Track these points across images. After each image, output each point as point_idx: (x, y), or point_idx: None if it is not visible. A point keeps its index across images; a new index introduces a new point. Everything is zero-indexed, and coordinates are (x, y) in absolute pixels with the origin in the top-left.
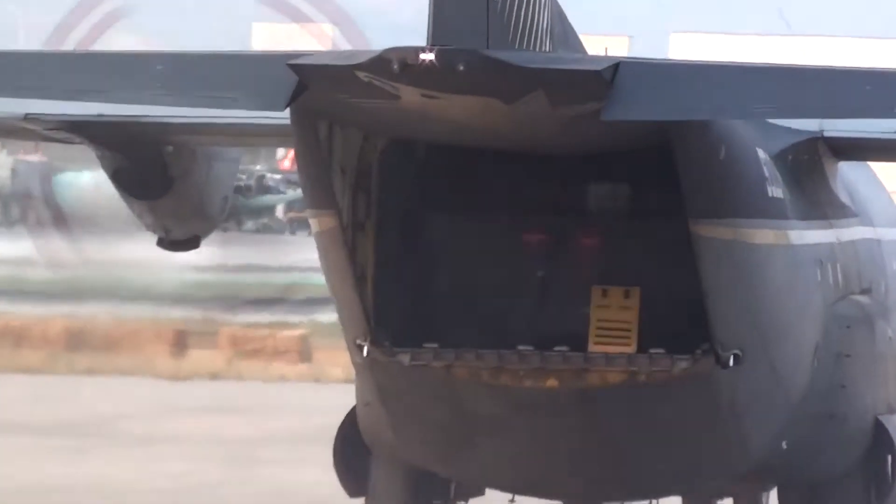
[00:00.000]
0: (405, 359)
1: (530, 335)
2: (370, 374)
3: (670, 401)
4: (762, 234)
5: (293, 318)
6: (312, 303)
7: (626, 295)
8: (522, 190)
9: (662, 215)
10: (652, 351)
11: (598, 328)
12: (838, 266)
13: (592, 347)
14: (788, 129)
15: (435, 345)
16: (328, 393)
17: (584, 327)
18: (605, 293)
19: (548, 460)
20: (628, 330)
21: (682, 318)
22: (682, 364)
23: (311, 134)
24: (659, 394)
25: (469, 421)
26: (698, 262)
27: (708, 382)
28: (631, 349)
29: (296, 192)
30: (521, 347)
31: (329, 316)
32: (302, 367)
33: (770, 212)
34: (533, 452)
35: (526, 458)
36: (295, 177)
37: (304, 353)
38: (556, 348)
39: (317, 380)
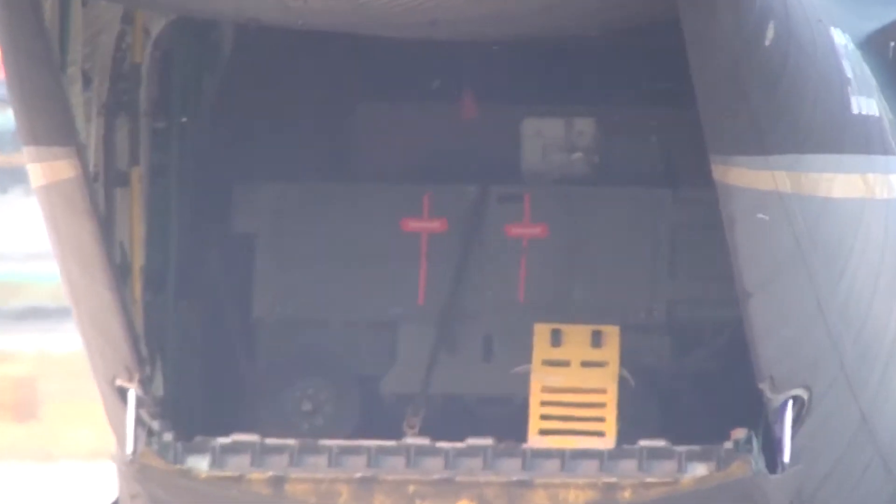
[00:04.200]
0: (200, 467)
1: (423, 404)
2: (141, 484)
3: None
4: (843, 182)
5: (4, 344)
6: (38, 317)
7: (597, 339)
8: (413, 136)
9: (659, 180)
10: (643, 443)
11: (547, 402)
12: None
13: (535, 438)
14: None
15: (254, 436)
16: (64, 475)
17: (520, 393)
18: (556, 336)
19: None
20: (602, 405)
21: (703, 376)
22: (700, 469)
23: (27, 10)
24: None
25: None
26: (729, 232)
27: (746, 490)
28: (606, 441)
29: (5, 117)
30: (409, 439)
31: (67, 341)
32: (20, 431)
33: (857, 141)
34: None
35: None
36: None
37: (22, 406)
38: (472, 440)
39: (46, 455)
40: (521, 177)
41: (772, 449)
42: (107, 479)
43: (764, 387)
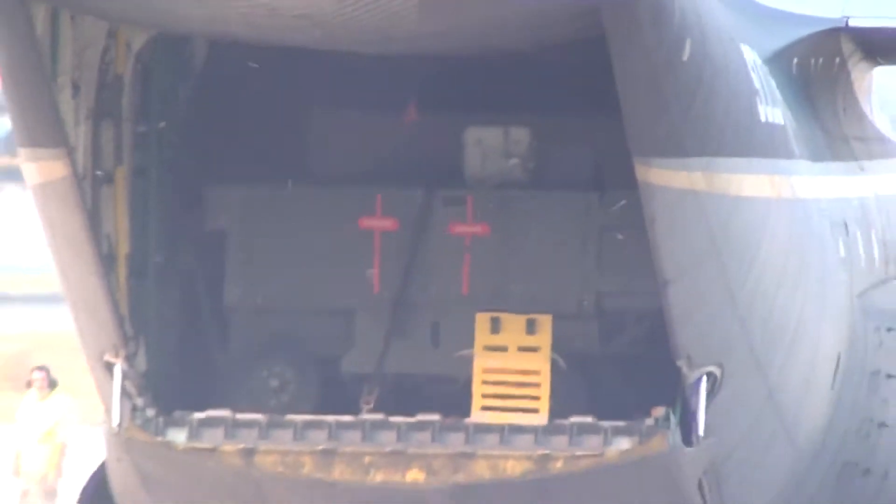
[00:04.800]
0: (179, 439)
1: (377, 383)
2: (126, 454)
3: (602, 493)
4: (752, 182)
5: (3, 326)
6: (33, 302)
7: (532, 326)
8: (367, 142)
9: (596, 190)
10: (573, 420)
11: (486, 379)
12: (873, 232)
13: (478, 414)
14: (794, 17)
15: (227, 411)
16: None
17: (463, 374)
18: (494, 322)
19: None
20: (536, 385)
21: (629, 359)
22: (622, 443)
23: (21, 25)
24: (584, 485)
25: None
26: (650, 226)
27: (664, 462)
28: (540, 418)
29: (2, 122)
30: (366, 414)
31: (59, 320)
32: (17, 400)
33: (764, 146)
34: None
35: None
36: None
37: (14, 377)
38: (421, 416)
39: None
40: (464, 181)
41: (687, 425)
42: (94, 442)
43: (681, 364)
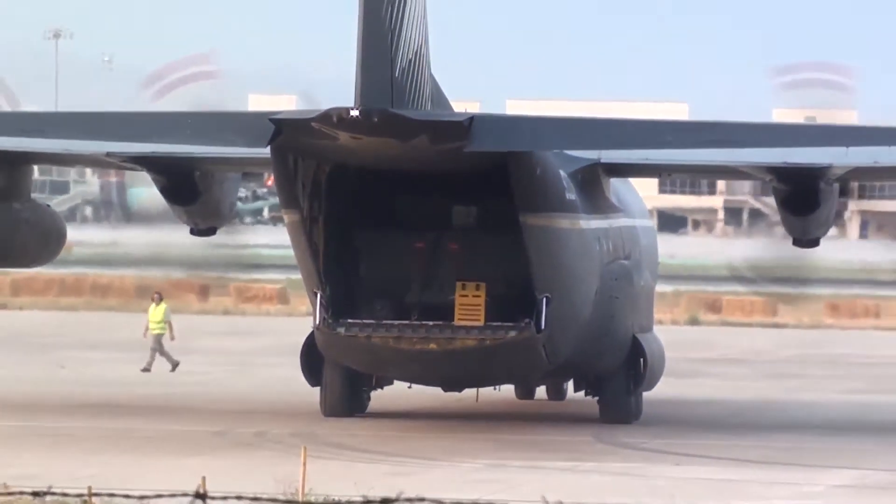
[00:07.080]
0: (342, 331)
1: (418, 307)
2: (320, 336)
3: (507, 350)
4: (564, 222)
5: (276, 276)
6: (288, 268)
7: (477, 287)
8: (414, 211)
9: (505, 231)
10: (493, 323)
11: (460, 308)
12: (610, 242)
13: (456, 321)
14: (579, 157)
15: (359, 320)
16: (298, 322)
17: (452, 304)
18: (464, 286)
19: (430, 374)
20: (479, 310)
21: (517, 299)
22: (512, 333)
23: (283, 162)
24: (499, 348)
25: (382, 362)
26: (525, 241)
27: (530, 341)
28: (480, 323)
29: (275, 200)
30: (414, 321)
31: (299, 276)
32: (281, 307)
33: (569, 208)
34: (422, 373)
35: (418, 374)
36: (274, 190)
37: (282, 298)
38: (434, 322)
39: (290, 315)
40: (452, 227)
41: (538, 323)
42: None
43: (536, 293)
